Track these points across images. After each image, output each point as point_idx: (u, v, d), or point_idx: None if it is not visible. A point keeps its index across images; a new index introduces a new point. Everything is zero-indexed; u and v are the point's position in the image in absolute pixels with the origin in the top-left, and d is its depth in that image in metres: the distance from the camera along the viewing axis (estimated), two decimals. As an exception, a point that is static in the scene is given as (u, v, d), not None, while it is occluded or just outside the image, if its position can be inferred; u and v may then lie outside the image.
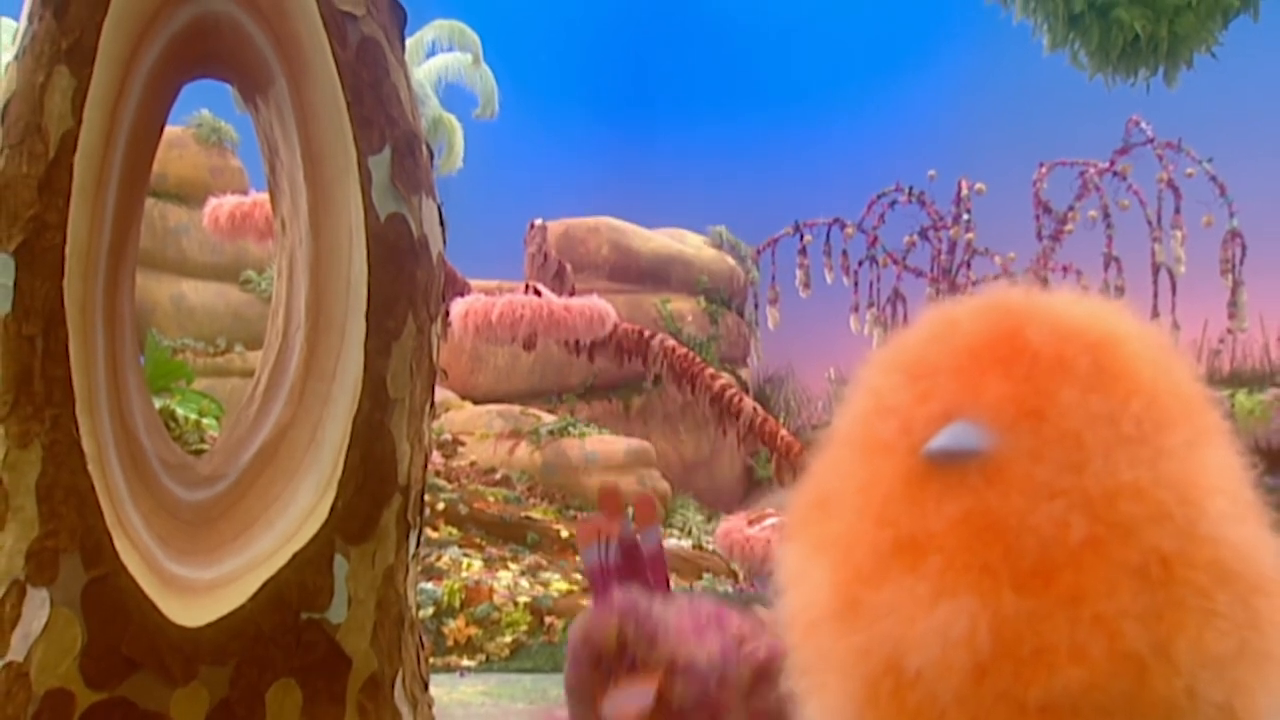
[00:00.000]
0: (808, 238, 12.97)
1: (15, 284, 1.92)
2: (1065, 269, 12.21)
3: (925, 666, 0.92)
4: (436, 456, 11.19)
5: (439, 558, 8.94)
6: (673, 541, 11.23)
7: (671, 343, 9.84)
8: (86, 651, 1.85)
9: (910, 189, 12.98)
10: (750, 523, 8.04)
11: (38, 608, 1.87)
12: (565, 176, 22.33)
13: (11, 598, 1.89)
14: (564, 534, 10.26)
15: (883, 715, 0.97)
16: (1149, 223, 11.88)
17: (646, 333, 9.79)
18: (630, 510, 1.93)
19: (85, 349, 1.95)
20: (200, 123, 14.29)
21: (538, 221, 10.28)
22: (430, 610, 7.73)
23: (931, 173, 13.12)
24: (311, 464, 2.07)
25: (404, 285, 2.16)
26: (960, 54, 19.85)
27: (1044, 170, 12.39)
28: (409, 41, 2.73)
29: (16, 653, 1.86)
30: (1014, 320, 1.02)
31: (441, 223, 2.33)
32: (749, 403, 9.50)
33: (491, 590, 8.27)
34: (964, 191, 12.75)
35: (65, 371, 1.91)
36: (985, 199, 12.83)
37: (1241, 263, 11.55)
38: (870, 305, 13.12)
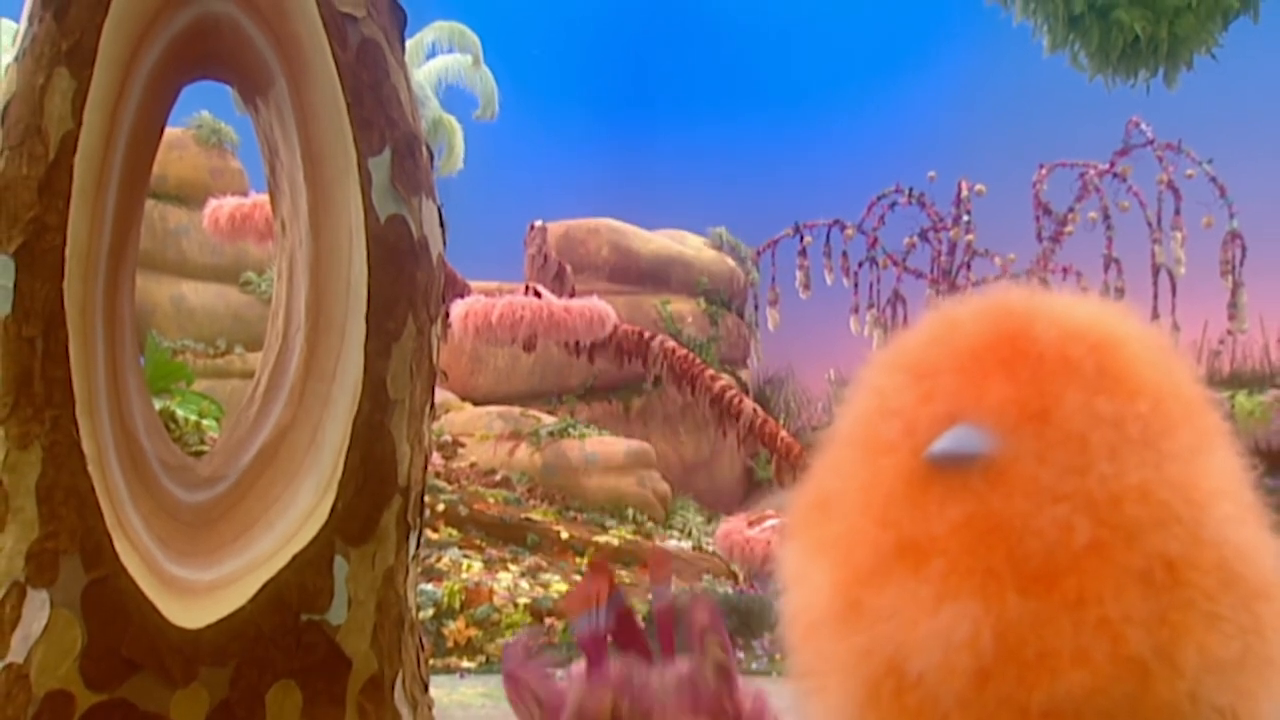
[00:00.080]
0: (808, 239, 12.97)
1: (15, 286, 1.91)
2: (1065, 270, 12.22)
3: (927, 670, 0.91)
4: (436, 458, 11.18)
5: (439, 559, 8.94)
6: (673, 543, 11.23)
7: (671, 344, 9.85)
8: (86, 653, 1.84)
9: (910, 190, 12.98)
10: (750, 524, 8.05)
11: (38, 609, 1.86)
12: (565, 178, 22.35)
13: (11, 599, 1.89)
14: (564, 535, 10.26)
15: (884, 717, 0.96)
16: (1149, 224, 11.88)
17: (646, 334, 9.79)
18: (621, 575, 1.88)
19: (85, 350, 1.94)
20: (200, 124, 14.30)
21: (538, 223, 10.29)
22: (430, 611, 7.73)
23: (931, 174, 13.14)
24: (311, 465, 2.07)
25: (404, 287, 2.15)
26: (960, 55, 19.88)
27: (1044, 171, 12.39)
28: (409, 43, 2.73)
29: (16, 654, 1.85)
30: (1017, 321, 1.02)
31: (441, 224, 2.33)
32: (749, 404, 9.50)
33: (491, 592, 8.28)
34: (964, 193, 12.75)
35: (65, 373, 1.91)
36: (985, 200, 12.84)
37: (1241, 264, 11.55)
38: (870, 306, 13.13)
